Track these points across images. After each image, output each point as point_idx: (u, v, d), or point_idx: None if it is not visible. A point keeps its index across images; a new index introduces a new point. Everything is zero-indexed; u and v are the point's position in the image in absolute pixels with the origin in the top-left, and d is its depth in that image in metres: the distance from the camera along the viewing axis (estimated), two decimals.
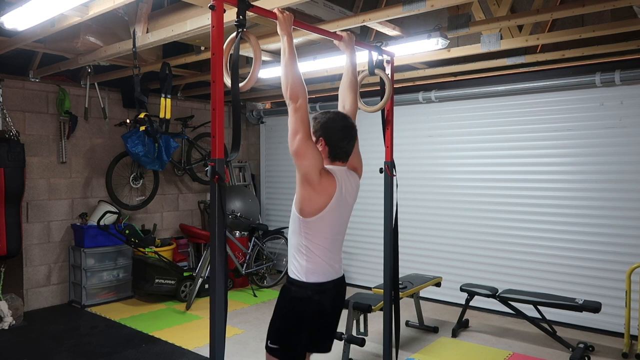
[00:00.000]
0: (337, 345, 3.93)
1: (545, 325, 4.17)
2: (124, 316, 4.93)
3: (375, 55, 3.00)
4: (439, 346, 4.17)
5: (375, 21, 3.27)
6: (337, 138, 2.28)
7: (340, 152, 2.31)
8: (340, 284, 2.37)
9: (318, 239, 2.22)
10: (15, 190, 4.53)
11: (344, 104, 2.64)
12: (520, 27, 3.95)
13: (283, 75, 2.15)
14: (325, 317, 2.38)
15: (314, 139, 2.28)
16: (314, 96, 6.35)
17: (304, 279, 2.23)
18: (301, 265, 2.24)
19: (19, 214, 4.66)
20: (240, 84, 2.10)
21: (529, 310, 4.24)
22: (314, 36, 3.66)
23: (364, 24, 3.29)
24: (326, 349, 2.52)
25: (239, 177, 7.24)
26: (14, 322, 4.60)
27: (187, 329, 4.60)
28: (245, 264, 5.80)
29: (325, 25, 3.43)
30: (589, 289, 4.47)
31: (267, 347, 2.36)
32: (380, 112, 3.02)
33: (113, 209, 5.45)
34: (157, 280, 5.23)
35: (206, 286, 5.38)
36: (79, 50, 4.24)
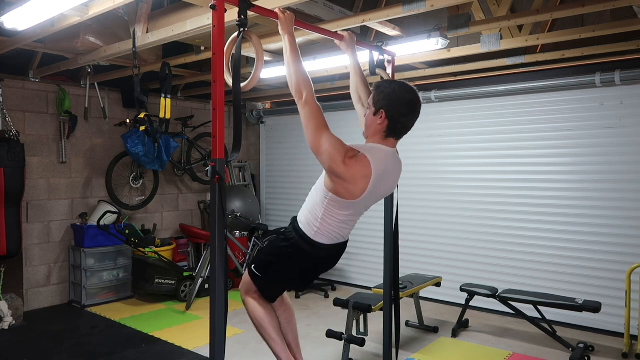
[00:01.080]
0: (337, 345, 3.94)
1: (545, 325, 4.17)
2: (124, 316, 4.93)
3: (376, 55, 3.01)
4: (439, 346, 4.17)
5: (375, 21, 3.27)
6: (401, 112, 2.13)
7: (399, 128, 2.17)
8: (342, 245, 2.36)
9: (339, 216, 2.19)
10: (15, 190, 4.52)
11: (362, 103, 2.59)
12: (520, 27, 3.95)
13: (287, 75, 2.14)
14: (315, 268, 2.42)
15: (373, 110, 2.17)
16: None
17: (311, 236, 2.22)
18: (313, 224, 2.21)
19: (19, 214, 4.65)
20: (242, 84, 2.10)
21: (529, 310, 4.24)
22: (314, 36, 3.66)
23: (364, 24, 3.29)
24: (301, 289, 2.62)
25: (239, 177, 7.24)
26: (14, 322, 4.59)
27: (187, 329, 4.60)
28: (245, 264, 5.80)
29: (325, 25, 3.43)
30: (589, 289, 4.47)
31: (249, 269, 2.38)
32: None
33: (113, 209, 5.45)
34: (157, 280, 5.23)
35: (206, 286, 5.38)
36: (79, 50, 4.24)
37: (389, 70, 3.04)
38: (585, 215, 4.54)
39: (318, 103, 2.09)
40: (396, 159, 2.28)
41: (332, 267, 2.49)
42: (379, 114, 2.14)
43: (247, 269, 2.43)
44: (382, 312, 3.21)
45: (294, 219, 2.34)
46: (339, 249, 2.37)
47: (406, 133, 2.23)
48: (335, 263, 2.47)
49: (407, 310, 4.85)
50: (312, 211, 2.22)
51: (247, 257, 5.85)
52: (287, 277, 2.37)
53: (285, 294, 2.63)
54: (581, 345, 3.85)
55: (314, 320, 4.84)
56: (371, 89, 2.25)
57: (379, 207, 3.06)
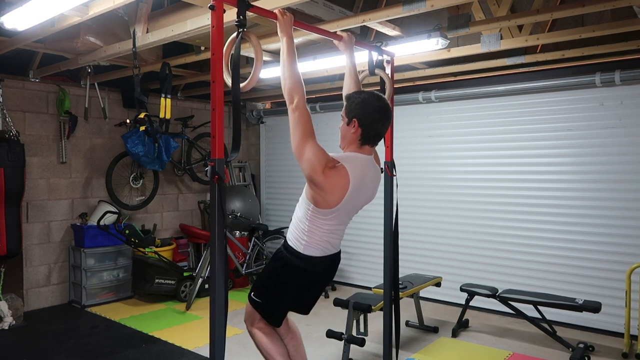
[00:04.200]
0: (337, 345, 3.94)
1: (545, 325, 4.17)
2: (124, 316, 4.93)
3: (376, 55, 3.00)
4: (439, 346, 4.17)
5: (375, 21, 3.27)
6: (372, 119, 2.20)
7: (373, 135, 2.23)
8: (335, 257, 2.39)
9: (324, 225, 2.22)
10: (15, 190, 4.52)
11: None
12: (520, 27, 3.95)
13: (282, 77, 2.15)
14: (314, 285, 2.45)
15: (346, 120, 2.24)
16: (313, 96, 6.35)
17: (301, 251, 2.25)
18: (301, 238, 2.24)
19: (19, 214, 4.65)
20: (241, 84, 2.10)
21: (529, 310, 4.24)
22: (313, 36, 3.66)
23: (364, 24, 3.29)
24: (305, 312, 2.58)
25: (239, 177, 7.24)
26: (14, 322, 4.60)
27: (187, 329, 4.60)
28: (245, 264, 5.80)
29: (325, 25, 3.43)
30: (589, 289, 4.47)
31: (250, 297, 2.39)
32: None
33: (113, 209, 5.45)
34: (157, 280, 5.23)
35: (206, 286, 5.38)
36: (79, 50, 4.24)
37: (388, 71, 3.04)
38: (585, 215, 4.54)
39: (308, 109, 2.12)
40: (374, 166, 2.33)
41: (330, 281, 2.51)
42: (352, 123, 2.21)
43: (248, 300, 2.43)
44: (382, 312, 3.21)
45: (284, 240, 2.38)
46: (333, 261, 2.39)
47: (380, 139, 2.30)
48: (332, 277, 2.49)
49: (407, 310, 4.85)
50: (298, 226, 2.26)
51: (247, 257, 5.85)
52: (287, 297, 2.37)
53: (292, 321, 2.63)
54: (581, 345, 3.85)
55: (314, 320, 4.84)
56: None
57: (379, 207, 3.07)
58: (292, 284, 2.32)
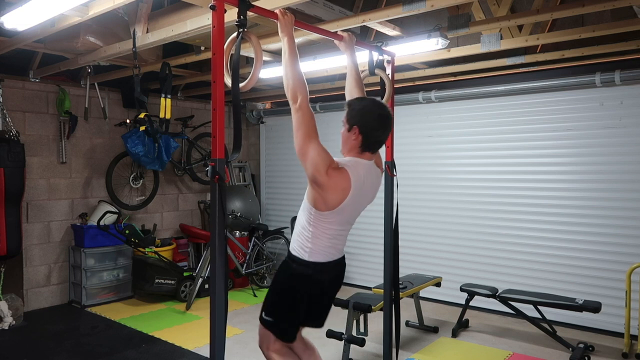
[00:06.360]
0: (337, 345, 3.94)
1: (545, 325, 4.17)
2: (124, 316, 4.93)
3: (376, 55, 3.00)
4: (439, 346, 4.17)
5: (375, 21, 3.27)
6: (372, 126, 2.21)
7: (373, 142, 2.24)
8: (340, 262, 2.38)
9: (327, 229, 2.21)
10: (15, 190, 4.52)
11: None
12: (520, 27, 3.95)
13: (284, 77, 2.14)
14: (323, 295, 2.42)
15: (347, 127, 2.23)
16: (314, 96, 6.35)
17: (306, 258, 2.23)
18: (305, 245, 2.23)
19: (19, 214, 4.65)
20: (241, 84, 2.10)
21: (529, 310, 4.24)
22: (314, 36, 3.66)
23: (364, 24, 3.29)
24: (319, 325, 2.53)
25: (239, 177, 7.24)
26: (14, 322, 4.59)
27: (187, 329, 4.60)
28: (245, 264, 5.80)
29: (325, 25, 3.43)
30: (589, 289, 4.47)
31: (261, 318, 2.37)
32: None
33: (113, 209, 5.45)
34: (157, 280, 5.23)
35: (206, 286, 5.38)
36: (79, 50, 4.24)
37: (389, 71, 3.04)
38: (585, 215, 4.54)
39: (311, 109, 2.11)
40: (375, 171, 2.33)
41: (339, 288, 2.49)
42: (353, 130, 2.21)
43: (260, 322, 2.40)
44: (382, 312, 3.21)
45: (288, 253, 2.35)
46: (339, 266, 2.38)
47: (380, 146, 2.30)
48: (340, 283, 2.46)
49: (407, 310, 4.85)
50: (302, 233, 2.26)
51: (247, 257, 5.85)
52: (298, 308, 2.32)
53: (308, 339, 2.60)
54: (581, 345, 3.85)
55: None
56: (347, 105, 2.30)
57: (379, 207, 3.07)
58: (302, 293, 2.29)
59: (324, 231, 2.21)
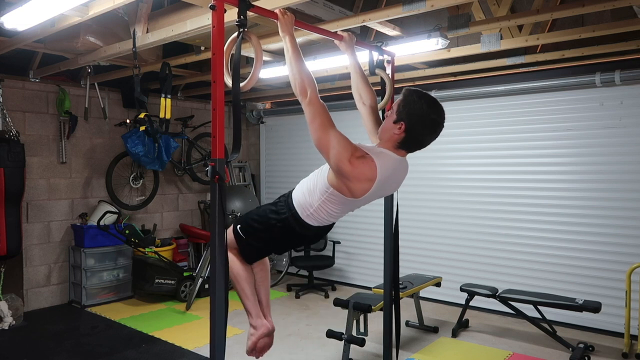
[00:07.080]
0: (337, 345, 3.94)
1: (545, 325, 4.17)
2: (124, 316, 4.93)
3: (376, 55, 3.00)
4: (439, 346, 4.17)
5: (375, 21, 3.27)
6: (420, 129, 2.09)
7: (415, 144, 2.14)
8: (330, 225, 2.37)
9: (333, 210, 2.17)
10: (15, 190, 4.52)
11: (362, 101, 2.56)
12: (520, 27, 3.95)
13: (290, 75, 2.10)
14: (300, 243, 2.50)
15: (394, 117, 2.11)
16: None
17: (302, 218, 2.20)
18: (307, 209, 2.19)
19: (19, 214, 4.65)
20: (241, 84, 2.10)
21: (529, 310, 4.24)
22: (314, 36, 3.66)
23: (364, 24, 3.29)
24: (279, 253, 2.63)
25: (239, 177, 7.24)
26: (14, 322, 4.60)
27: (187, 329, 4.60)
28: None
29: (325, 25, 3.43)
30: (589, 289, 4.47)
31: (235, 229, 2.35)
32: (380, 112, 3.01)
33: (113, 209, 5.45)
34: (157, 280, 5.23)
35: (206, 286, 5.38)
36: (79, 50, 4.24)
37: (389, 71, 3.04)
38: (585, 215, 4.54)
39: (322, 101, 2.07)
40: (404, 168, 2.25)
41: (318, 239, 2.55)
42: (399, 124, 2.09)
43: (232, 226, 2.40)
44: (382, 312, 3.21)
45: (289, 194, 2.30)
46: (326, 228, 2.39)
47: (419, 149, 2.20)
48: (323, 235, 2.49)
49: (407, 310, 4.85)
50: (309, 196, 2.19)
51: None
52: (270, 247, 2.42)
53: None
54: (581, 345, 3.85)
55: (314, 320, 4.84)
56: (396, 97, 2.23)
57: (379, 207, 3.06)
58: (280, 239, 2.34)
59: (329, 210, 2.17)
